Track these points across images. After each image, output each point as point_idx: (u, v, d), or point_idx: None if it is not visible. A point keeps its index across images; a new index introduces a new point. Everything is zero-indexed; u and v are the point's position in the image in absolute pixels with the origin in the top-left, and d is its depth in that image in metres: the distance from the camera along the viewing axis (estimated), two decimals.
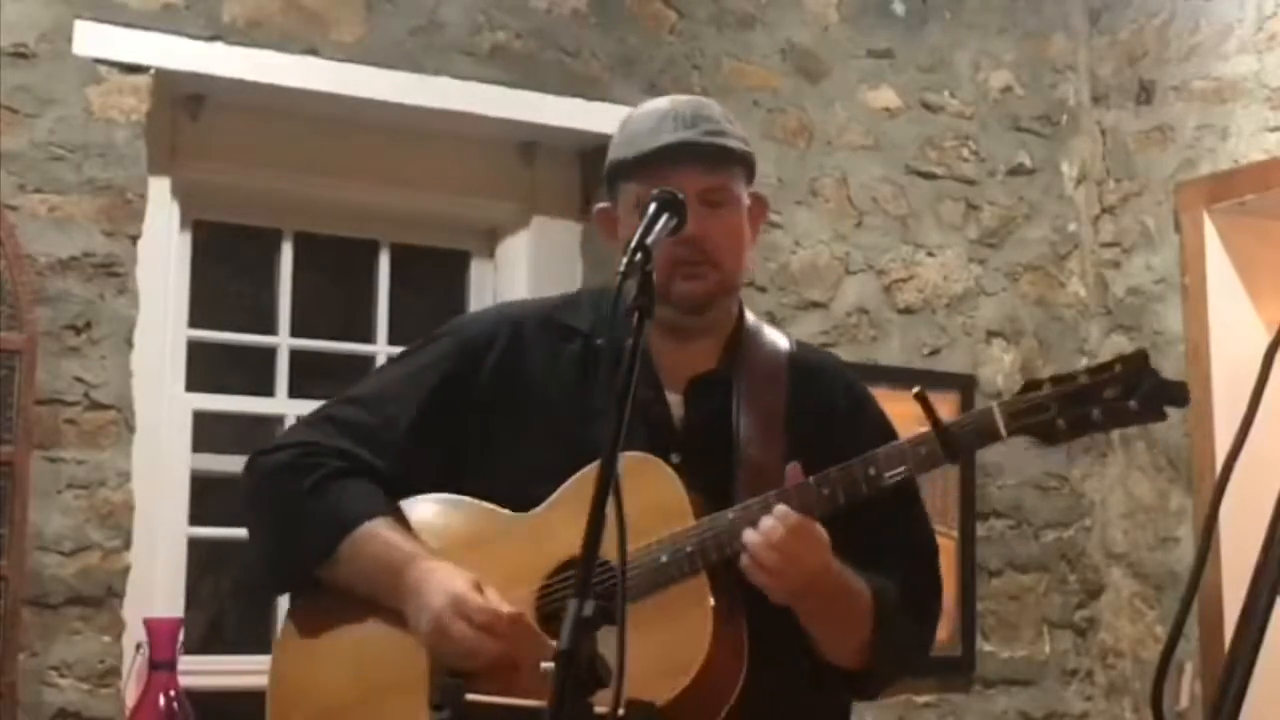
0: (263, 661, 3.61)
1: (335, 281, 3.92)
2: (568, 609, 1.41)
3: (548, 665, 1.39)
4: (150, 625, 3.09)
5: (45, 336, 3.04)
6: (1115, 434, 4.20)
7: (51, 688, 3.00)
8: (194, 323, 3.49)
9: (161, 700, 3.04)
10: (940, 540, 3.91)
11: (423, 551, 2.01)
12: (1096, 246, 4.32)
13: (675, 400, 2.11)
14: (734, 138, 2.10)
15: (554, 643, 1.42)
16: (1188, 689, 3.90)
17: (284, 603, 3.28)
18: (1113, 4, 4.34)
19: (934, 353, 4.08)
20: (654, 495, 1.96)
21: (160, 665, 3.06)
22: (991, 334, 4.18)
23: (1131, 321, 4.21)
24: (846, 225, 4.01)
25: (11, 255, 3.00)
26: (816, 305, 3.94)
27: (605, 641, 1.77)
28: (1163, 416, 1.87)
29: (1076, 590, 4.21)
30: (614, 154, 2.12)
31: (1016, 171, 4.28)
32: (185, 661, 3.13)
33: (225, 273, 3.76)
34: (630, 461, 1.95)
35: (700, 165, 2.05)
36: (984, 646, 4.05)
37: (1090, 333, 4.30)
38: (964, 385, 4.06)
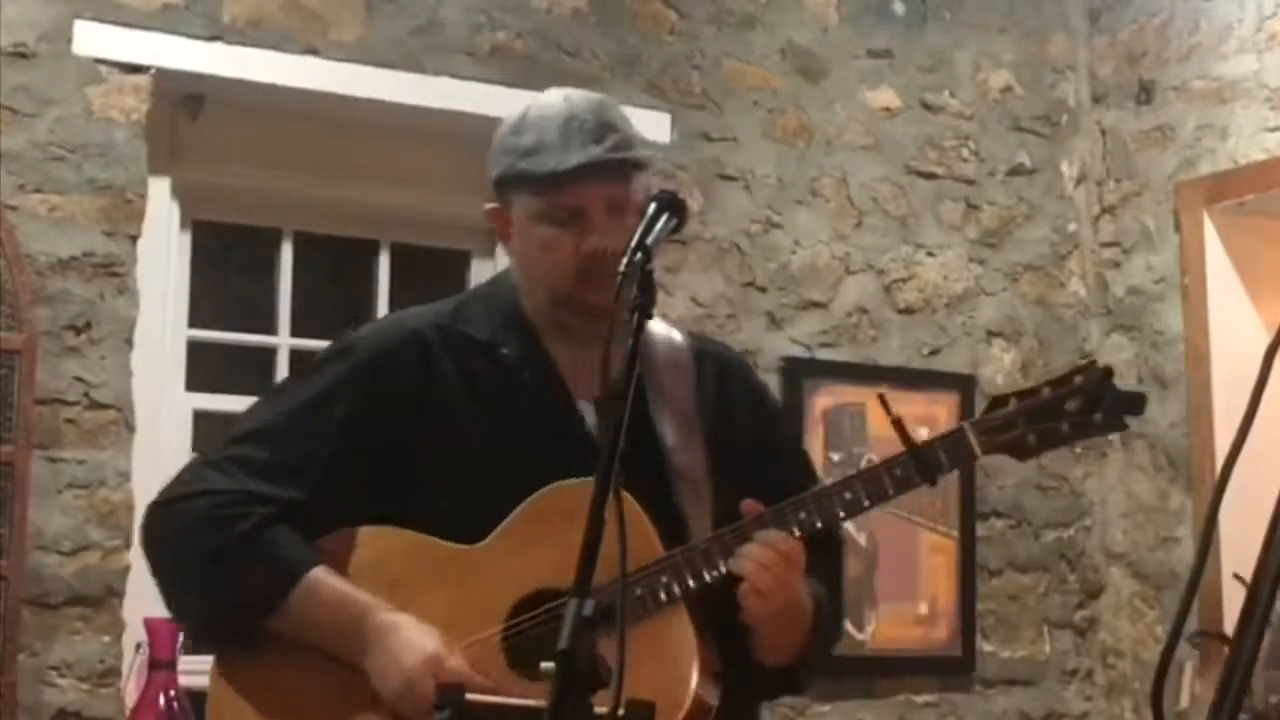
0: None
1: (335, 281, 3.92)
2: (568, 609, 1.40)
3: (548, 665, 1.38)
4: (150, 625, 3.09)
5: (45, 336, 3.04)
6: (1115, 434, 4.21)
7: (51, 688, 3.00)
8: (194, 323, 3.49)
9: (161, 700, 3.03)
10: (940, 540, 4.01)
11: (379, 602, 1.93)
12: (1096, 246, 4.32)
13: (588, 409, 2.04)
14: (639, 144, 2.06)
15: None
16: (1188, 689, 3.89)
17: None
18: (1113, 4, 4.34)
19: (934, 353, 4.08)
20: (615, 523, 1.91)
21: (160, 665, 3.06)
22: (991, 334, 4.18)
23: (1131, 321, 4.21)
24: (846, 225, 4.01)
25: (11, 255, 3.01)
26: (816, 305, 3.94)
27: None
28: (1125, 427, 1.96)
29: (1076, 590, 4.21)
30: (510, 162, 2.03)
31: (1016, 171, 4.28)
32: (185, 661, 3.13)
33: (225, 273, 3.76)
34: (580, 489, 1.91)
35: (607, 180, 2.00)
36: (984, 646, 4.05)
37: (1090, 333, 4.30)
38: (964, 385, 4.06)
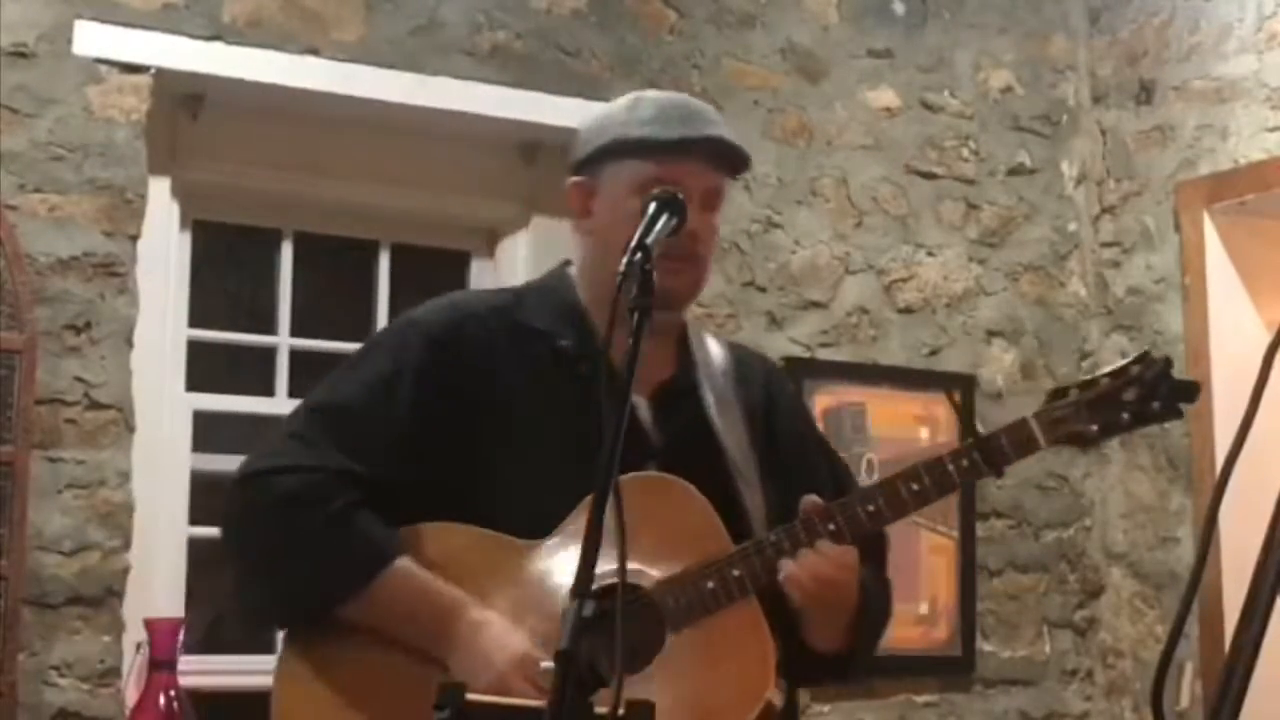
0: (263, 661, 3.61)
1: (335, 281, 3.92)
2: (568, 609, 1.40)
3: (548, 665, 1.39)
4: (150, 625, 3.09)
5: (45, 336, 3.04)
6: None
7: (51, 688, 3.00)
8: (194, 323, 3.49)
9: (161, 700, 3.03)
10: (940, 540, 4.00)
11: (466, 598, 1.93)
12: (1096, 246, 4.32)
13: (642, 405, 2.05)
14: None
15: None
16: (1188, 689, 3.89)
17: None
18: (1113, 4, 4.34)
19: (934, 353, 4.08)
20: (684, 517, 1.94)
21: (160, 665, 3.06)
22: (991, 334, 4.18)
23: (1131, 321, 4.21)
24: (846, 225, 4.01)
25: (11, 255, 3.01)
26: (816, 305, 3.94)
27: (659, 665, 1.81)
28: (1181, 415, 2.00)
29: (1076, 590, 4.21)
30: (624, 131, 2.04)
31: (1016, 171, 4.28)
32: (185, 661, 3.13)
33: (225, 273, 3.76)
34: (651, 481, 1.95)
35: (714, 165, 2.06)
36: (984, 646, 4.05)
37: (1090, 332, 4.30)
38: (964, 385, 4.06)
